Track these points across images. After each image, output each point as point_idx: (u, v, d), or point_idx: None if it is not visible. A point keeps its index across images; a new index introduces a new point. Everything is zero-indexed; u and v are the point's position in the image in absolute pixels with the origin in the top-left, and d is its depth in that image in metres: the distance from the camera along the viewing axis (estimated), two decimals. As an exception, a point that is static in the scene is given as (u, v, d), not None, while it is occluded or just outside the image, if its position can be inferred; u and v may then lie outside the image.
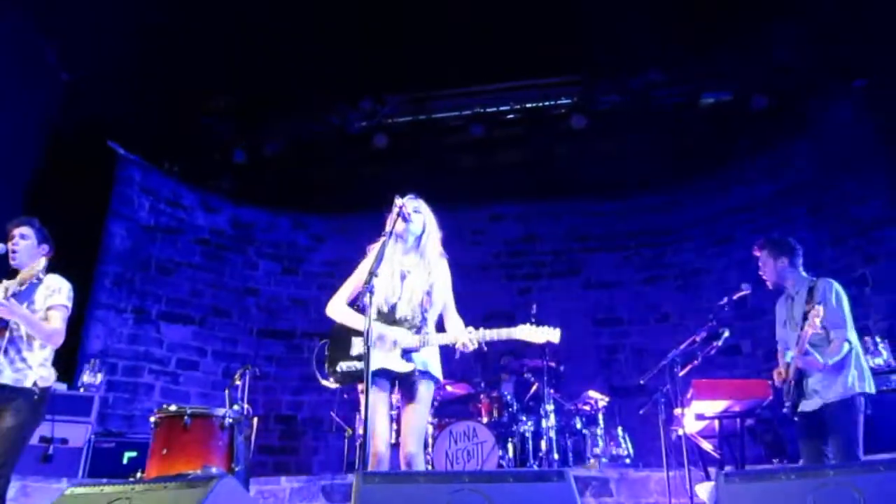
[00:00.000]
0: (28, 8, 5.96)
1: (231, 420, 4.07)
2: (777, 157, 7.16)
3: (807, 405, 3.71)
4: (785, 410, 3.81)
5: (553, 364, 6.13)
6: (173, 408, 4.09)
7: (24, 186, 6.37)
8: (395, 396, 3.57)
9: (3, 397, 3.61)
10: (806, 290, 3.81)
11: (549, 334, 3.39)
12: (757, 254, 4.03)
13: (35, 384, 3.70)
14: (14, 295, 3.64)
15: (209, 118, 7.56)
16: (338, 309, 3.60)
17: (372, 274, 3.23)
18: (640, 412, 4.81)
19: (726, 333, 4.39)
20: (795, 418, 3.78)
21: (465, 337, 3.42)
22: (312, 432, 7.48)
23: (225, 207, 8.20)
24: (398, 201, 3.60)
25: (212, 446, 3.95)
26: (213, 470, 3.74)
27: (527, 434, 5.92)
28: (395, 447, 3.71)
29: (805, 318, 3.62)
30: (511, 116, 7.64)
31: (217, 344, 7.43)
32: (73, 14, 5.96)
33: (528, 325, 3.41)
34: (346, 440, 6.06)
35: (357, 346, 3.45)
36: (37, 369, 3.73)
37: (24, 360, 3.71)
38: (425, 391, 3.48)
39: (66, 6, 5.95)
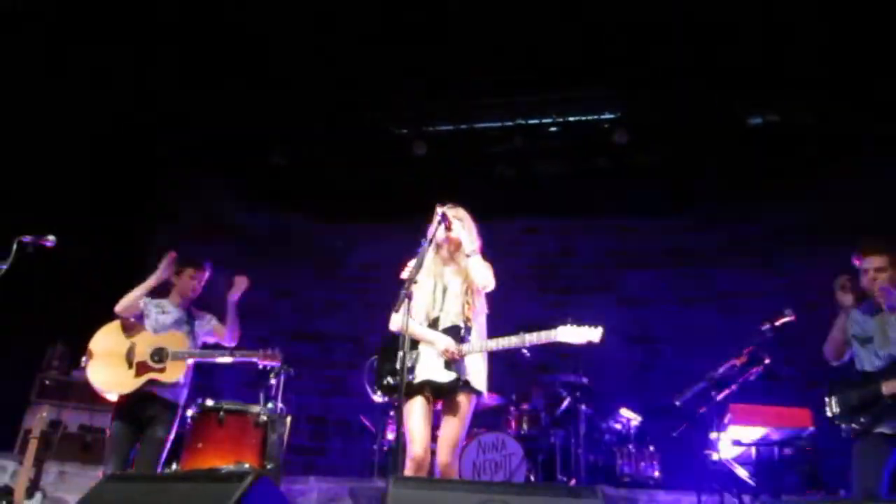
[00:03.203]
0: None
1: (265, 418, 4.12)
2: (822, 181, 7.00)
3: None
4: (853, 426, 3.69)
5: (585, 380, 6.07)
6: (210, 403, 4.16)
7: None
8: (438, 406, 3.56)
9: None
10: None
11: (589, 334, 3.35)
12: (872, 257, 3.77)
13: None
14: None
15: (251, 122, 7.67)
16: (398, 321, 3.54)
17: (411, 280, 3.25)
18: (674, 434, 4.73)
19: (767, 360, 4.30)
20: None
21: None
22: (341, 435, 7.51)
23: (263, 209, 8.30)
24: (439, 209, 3.61)
25: (245, 443, 4.01)
26: (246, 466, 3.78)
27: (556, 449, 5.87)
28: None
29: None
30: (553, 129, 7.61)
31: (251, 343, 7.49)
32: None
33: (568, 325, 3.38)
34: (376, 445, 6.08)
35: (401, 358, 3.46)
36: None
37: None
38: (465, 403, 3.47)
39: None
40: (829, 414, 3.76)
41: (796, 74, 6.43)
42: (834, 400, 3.75)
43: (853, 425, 3.65)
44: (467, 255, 3.56)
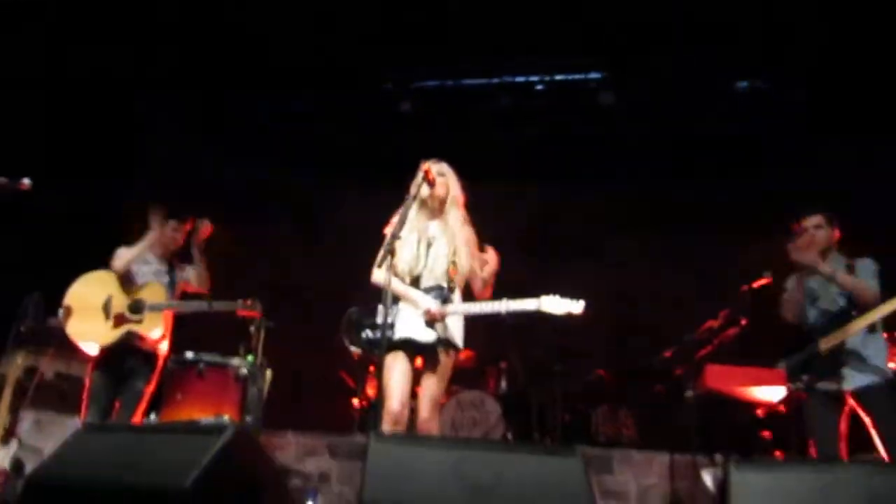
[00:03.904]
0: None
1: (245, 371, 4.11)
2: (807, 148, 7.01)
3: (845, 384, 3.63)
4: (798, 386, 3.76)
5: (563, 340, 6.13)
6: (189, 355, 4.14)
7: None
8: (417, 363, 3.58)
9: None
10: (843, 268, 3.74)
11: (571, 306, 3.38)
12: (810, 221, 3.90)
13: None
14: None
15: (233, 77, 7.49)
16: (379, 275, 3.54)
17: (394, 237, 3.24)
18: (652, 392, 4.81)
19: (743, 322, 4.36)
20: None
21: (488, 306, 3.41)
22: (320, 391, 7.54)
23: (244, 165, 8.16)
24: (424, 165, 3.58)
25: (225, 396, 4.01)
26: (225, 419, 3.79)
27: (533, 408, 5.95)
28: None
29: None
30: (539, 87, 7.52)
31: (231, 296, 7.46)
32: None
33: (551, 295, 3.40)
34: (357, 401, 6.12)
35: (383, 313, 3.45)
36: None
37: None
38: (445, 360, 3.50)
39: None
40: None
41: (787, 41, 6.37)
42: (782, 364, 3.83)
43: (798, 384, 3.71)
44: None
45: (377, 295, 3.48)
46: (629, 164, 7.66)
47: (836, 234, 3.87)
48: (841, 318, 3.66)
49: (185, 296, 4.62)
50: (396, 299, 3.49)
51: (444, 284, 3.49)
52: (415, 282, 3.54)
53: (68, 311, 4.29)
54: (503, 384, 6.10)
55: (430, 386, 3.47)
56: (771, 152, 7.32)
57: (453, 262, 3.56)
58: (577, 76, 7.34)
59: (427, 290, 3.49)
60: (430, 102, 7.62)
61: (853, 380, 3.58)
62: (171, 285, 4.54)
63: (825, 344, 3.64)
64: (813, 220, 3.90)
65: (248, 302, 4.41)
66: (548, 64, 7.38)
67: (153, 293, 4.33)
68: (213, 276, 4.67)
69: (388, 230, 3.57)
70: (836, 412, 3.64)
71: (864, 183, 6.41)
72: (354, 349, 3.52)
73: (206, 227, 4.62)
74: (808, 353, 3.72)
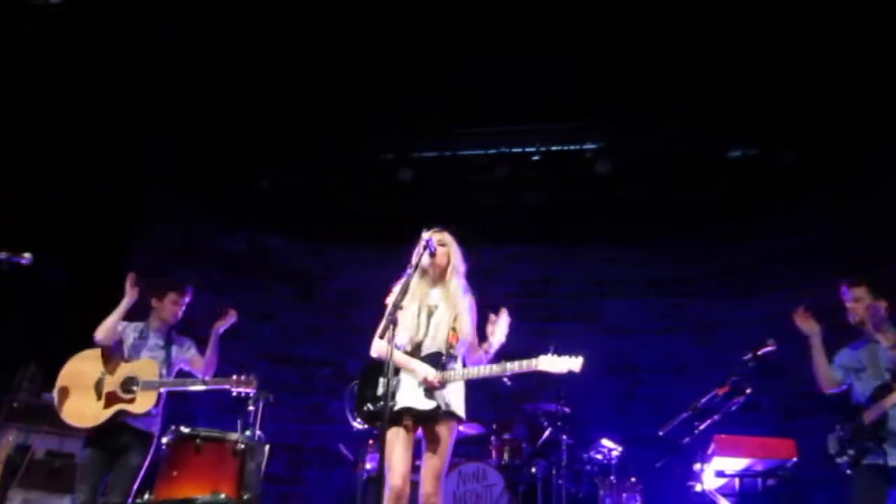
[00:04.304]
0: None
1: (243, 446, 4.02)
2: (802, 213, 7.10)
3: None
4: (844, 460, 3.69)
5: (567, 409, 6.02)
6: (186, 430, 4.05)
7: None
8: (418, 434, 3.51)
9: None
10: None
11: (570, 363, 3.34)
12: (850, 288, 3.87)
13: None
14: None
15: (233, 144, 7.63)
16: (380, 346, 3.52)
17: (396, 307, 3.22)
18: (657, 465, 4.70)
19: (749, 390, 4.30)
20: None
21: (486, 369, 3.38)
22: (319, 464, 7.36)
23: (243, 232, 8.22)
24: (425, 234, 3.60)
25: (222, 471, 3.90)
26: (222, 496, 3.68)
27: (537, 479, 5.80)
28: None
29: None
30: (536, 158, 7.66)
31: (229, 367, 7.36)
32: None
33: (549, 355, 3.36)
34: (356, 475, 5.96)
35: (383, 385, 3.40)
36: None
37: None
38: (446, 431, 3.43)
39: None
40: (830, 451, 3.80)
41: (778, 107, 6.54)
42: (831, 438, 3.81)
43: (844, 458, 3.69)
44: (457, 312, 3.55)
45: (378, 367, 3.44)
46: (628, 227, 7.73)
47: (884, 304, 3.80)
48: (885, 391, 3.64)
49: (181, 372, 4.54)
50: (397, 370, 3.45)
51: (444, 352, 3.46)
52: (416, 349, 3.51)
53: (62, 393, 4.22)
54: (506, 456, 5.95)
55: (433, 458, 3.39)
56: (769, 216, 7.41)
57: (453, 329, 3.54)
58: (573, 146, 7.49)
59: (426, 358, 3.46)
60: (430, 171, 7.74)
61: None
62: (167, 360, 4.46)
63: (869, 417, 3.64)
64: (857, 292, 3.87)
65: (243, 378, 4.31)
66: (544, 135, 7.55)
67: (146, 370, 4.27)
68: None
69: (390, 300, 3.57)
70: (883, 487, 3.58)
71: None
72: (356, 424, 3.45)
73: (229, 316, 4.55)
74: (854, 426, 3.71)
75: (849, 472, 3.70)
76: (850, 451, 3.65)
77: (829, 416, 4.01)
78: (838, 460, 3.72)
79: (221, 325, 4.52)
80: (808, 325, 3.90)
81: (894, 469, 3.55)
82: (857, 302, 3.84)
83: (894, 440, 3.57)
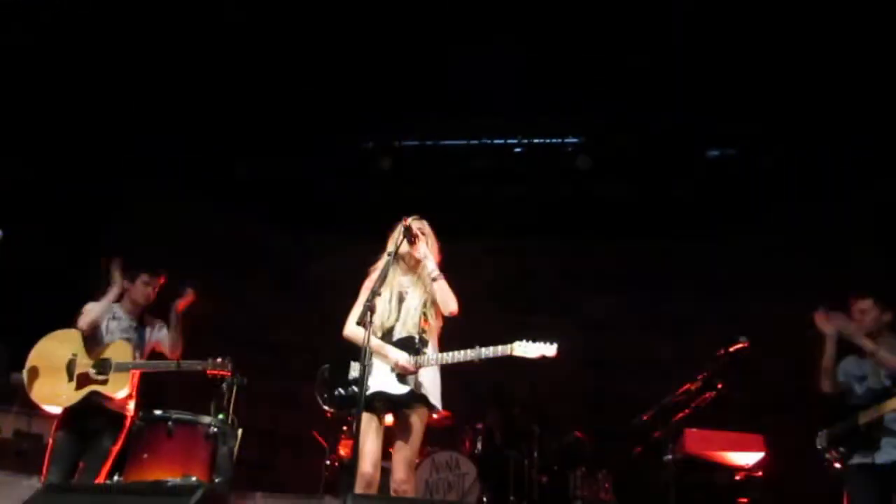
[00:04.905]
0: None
1: (216, 429, 3.99)
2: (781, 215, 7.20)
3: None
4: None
5: (541, 401, 6.08)
6: (158, 412, 4.01)
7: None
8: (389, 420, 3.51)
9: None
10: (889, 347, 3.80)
11: (544, 349, 3.36)
12: (859, 301, 3.95)
13: None
14: None
15: (212, 129, 7.54)
16: (353, 330, 3.53)
17: (374, 293, 3.22)
18: (629, 457, 4.76)
19: (720, 386, 4.37)
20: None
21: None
22: (291, 449, 7.34)
23: (221, 217, 8.13)
24: (404, 221, 3.59)
25: (194, 455, 3.86)
26: (194, 480, 3.65)
27: (509, 469, 5.84)
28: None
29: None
30: (517, 150, 7.67)
31: (203, 351, 7.29)
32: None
33: (523, 340, 3.38)
34: (326, 461, 5.95)
35: (355, 369, 3.39)
36: None
37: None
38: (417, 418, 3.43)
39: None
40: (817, 446, 3.93)
41: (757, 109, 6.62)
42: (823, 433, 3.93)
43: (833, 453, 3.82)
44: (433, 280, 3.54)
45: (349, 351, 3.44)
46: (606, 223, 7.78)
47: (889, 315, 3.89)
48: (882, 396, 3.75)
49: (154, 354, 4.49)
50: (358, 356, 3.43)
51: (416, 336, 3.46)
52: (387, 334, 3.51)
53: (32, 373, 4.14)
54: (479, 445, 5.98)
55: (405, 445, 3.39)
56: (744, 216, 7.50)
57: (424, 314, 3.54)
58: (554, 140, 7.51)
59: (399, 343, 3.45)
60: (410, 160, 7.72)
61: (886, 454, 3.67)
62: (140, 343, 4.41)
63: (864, 419, 3.75)
64: (861, 305, 3.94)
65: (219, 360, 4.28)
66: (525, 128, 7.56)
67: (119, 352, 4.21)
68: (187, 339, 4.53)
69: (366, 286, 3.56)
70: (874, 486, 3.71)
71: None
72: (326, 407, 3.44)
73: (188, 296, 4.46)
74: (848, 426, 3.83)
75: (838, 466, 3.83)
76: (841, 448, 3.79)
77: (798, 413, 4.10)
78: (826, 455, 3.85)
79: (181, 304, 4.44)
80: (827, 327, 3.95)
81: (881, 467, 3.69)
82: (864, 315, 3.92)
83: (885, 441, 3.69)
